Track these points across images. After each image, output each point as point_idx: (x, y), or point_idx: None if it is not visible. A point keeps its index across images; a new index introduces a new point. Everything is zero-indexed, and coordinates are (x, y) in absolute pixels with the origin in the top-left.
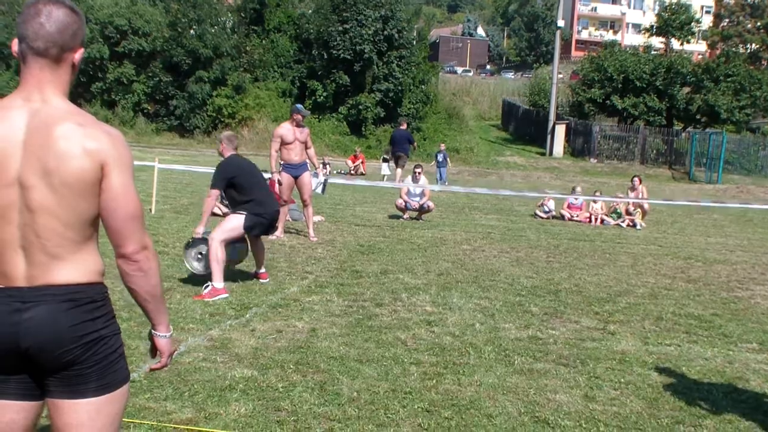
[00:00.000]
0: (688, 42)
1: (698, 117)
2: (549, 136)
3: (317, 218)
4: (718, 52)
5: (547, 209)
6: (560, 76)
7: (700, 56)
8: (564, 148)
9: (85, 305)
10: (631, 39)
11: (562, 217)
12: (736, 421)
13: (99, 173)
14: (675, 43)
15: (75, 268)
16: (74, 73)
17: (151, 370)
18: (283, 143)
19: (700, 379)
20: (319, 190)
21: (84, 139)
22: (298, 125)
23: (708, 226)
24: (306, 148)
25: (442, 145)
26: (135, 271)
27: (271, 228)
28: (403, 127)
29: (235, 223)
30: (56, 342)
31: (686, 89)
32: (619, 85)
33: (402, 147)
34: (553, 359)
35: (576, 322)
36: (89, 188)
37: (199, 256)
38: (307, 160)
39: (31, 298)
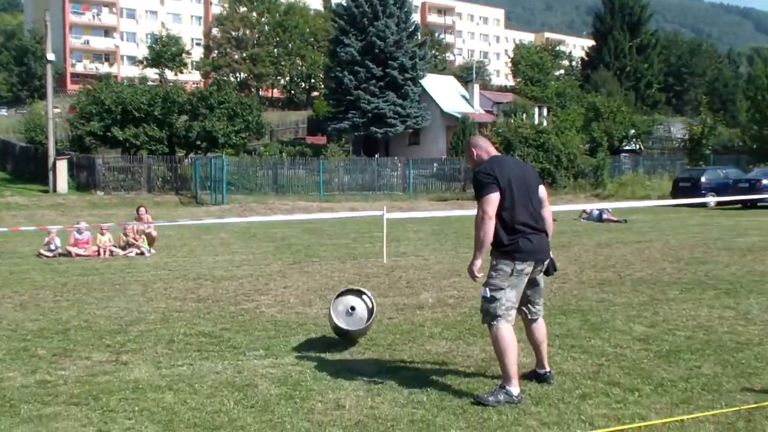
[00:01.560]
0: (182, 72)
1: (198, 143)
2: (51, 173)
3: None
4: (210, 81)
5: (53, 247)
6: (57, 110)
7: (194, 85)
8: (68, 183)
9: None
10: (127, 71)
11: (69, 253)
12: (247, 426)
13: None
14: (170, 74)
15: None
16: None
17: None
18: None
19: (213, 393)
20: None
21: None
22: None
23: (216, 245)
24: None
25: None
26: None
27: None
28: None
29: None
30: None
31: (184, 117)
32: (119, 117)
33: None
34: (63, 400)
35: (87, 358)
36: None
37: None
38: None
39: None
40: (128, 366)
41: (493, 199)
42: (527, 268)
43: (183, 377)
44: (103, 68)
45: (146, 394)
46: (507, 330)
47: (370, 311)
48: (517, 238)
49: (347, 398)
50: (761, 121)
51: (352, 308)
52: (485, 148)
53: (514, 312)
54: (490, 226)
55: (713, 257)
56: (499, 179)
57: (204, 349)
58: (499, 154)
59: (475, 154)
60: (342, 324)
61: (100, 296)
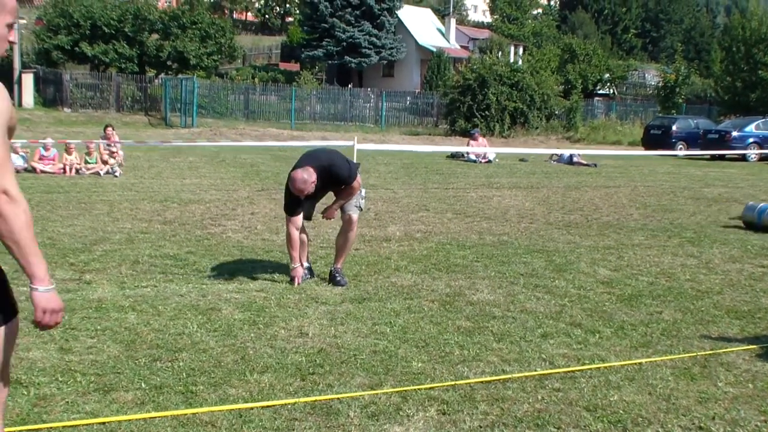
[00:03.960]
0: None
1: (169, 63)
2: (16, 87)
3: None
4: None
5: (19, 164)
6: (23, 21)
7: (166, 3)
8: (34, 98)
9: None
10: None
11: (34, 170)
12: (210, 349)
13: None
14: None
15: None
16: None
17: (35, 327)
18: None
19: (176, 316)
20: None
21: None
22: None
23: (184, 168)
24: None
25: None
26: None
27: None
28: None
29: None
30: None
31: (155, 36)
32: (88, 32)
33: None
34: (24, 317)
35: (50, 275)
36: None
37: None
38: None
39: None
40: (91, 285)
41: None
42: None
43: (147, 298)
44: None
45: (109, 314)
46: None
47: None
48: None
49: (311, 326)
50: (734, 72)
51: None
52: None
53: None
54: None
55: (680, 206)
56: None
57: (169, 271)
58: None
59: None
60: None
61: (65, 214)
